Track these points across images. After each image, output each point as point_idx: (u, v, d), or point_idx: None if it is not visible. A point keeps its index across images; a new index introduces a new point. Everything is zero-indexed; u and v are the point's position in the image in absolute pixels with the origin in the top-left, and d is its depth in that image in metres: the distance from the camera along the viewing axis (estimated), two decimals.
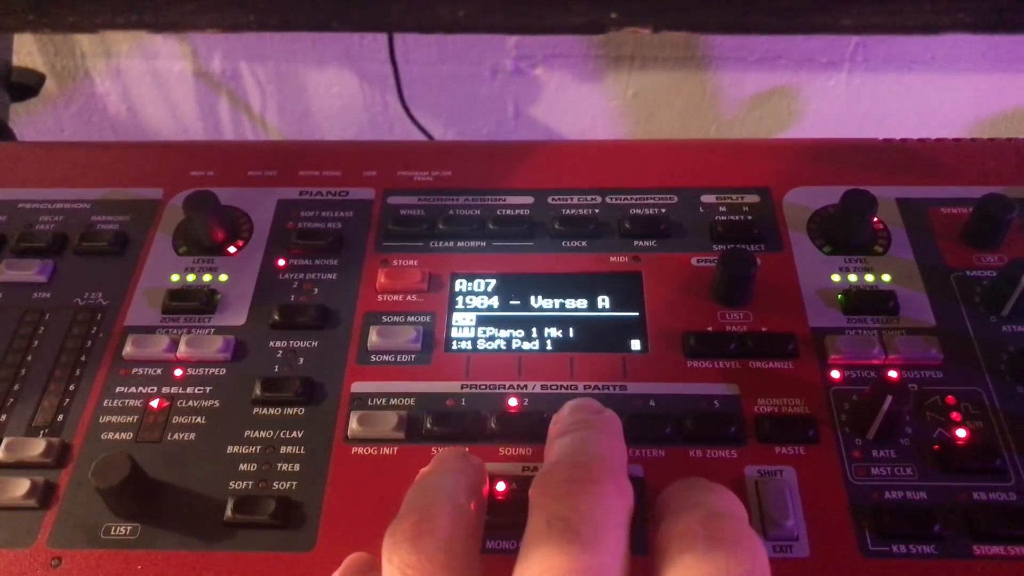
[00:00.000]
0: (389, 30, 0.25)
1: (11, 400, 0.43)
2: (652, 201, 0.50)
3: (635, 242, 0.48)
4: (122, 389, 0.43)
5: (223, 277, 0.47)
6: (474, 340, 0.44)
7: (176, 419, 0.42)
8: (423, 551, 0.30)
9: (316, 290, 0.47)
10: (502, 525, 0.37)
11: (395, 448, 0.41)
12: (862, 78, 1.02)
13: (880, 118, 1.06)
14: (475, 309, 0.46)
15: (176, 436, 0.41)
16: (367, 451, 0.41)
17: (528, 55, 1.02)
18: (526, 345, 0.44)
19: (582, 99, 1.06)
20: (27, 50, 1.03)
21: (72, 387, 0.43)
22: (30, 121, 1.11)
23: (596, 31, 0.24)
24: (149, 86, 1.08)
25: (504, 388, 0.43)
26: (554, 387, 0.43)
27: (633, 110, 1.07)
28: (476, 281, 0.47)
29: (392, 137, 1.11)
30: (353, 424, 0.41)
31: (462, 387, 0.43)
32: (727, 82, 1.04)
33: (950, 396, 0.41)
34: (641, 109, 1.07)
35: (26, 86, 0.84)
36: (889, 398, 0.38)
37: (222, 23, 0.24)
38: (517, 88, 1.06)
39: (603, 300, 0.46)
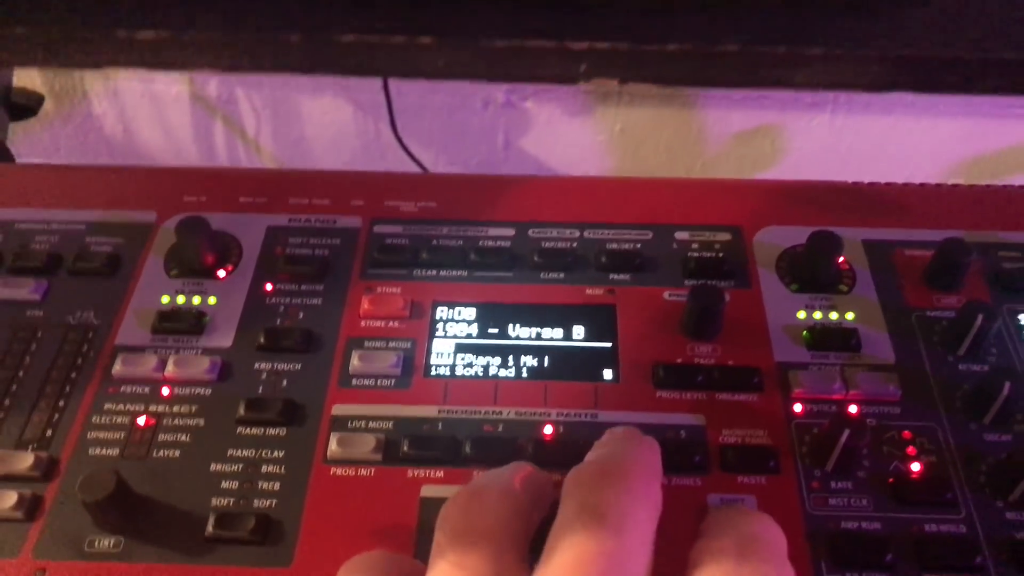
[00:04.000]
0: (376, 75, 0.27)
1: (1, 414, 0.44)
2: (628, 236, 0.52)
3: (610, 275, 0.50)
4: (110, 406, 0.44)
5: (212, 300, 0.49)
6: (452, 366, 0.46)
7: (162, 436, 0.43)
8: (470, 519, 0.32)
9: (301, 314, 0.48)
10: None
11: (372, 469, 0.42)
12: (845, 119, 1.05)
13: (862, 158, 1.08)
14: (454, 336, 0.47)
15: (161, 453, 0.43)
16: (345, 472, 0.42)
17: (519, 88, 1.04)
18: (503, 372, 0.46)
19: (571, 132, 1.09)
20: (27, 70, 1.05)
21: (62, 403, 0.44)
22: (26, 139, 1.13)
23: (567, 82, 0.26)
24: (146, 108, 1.09)
25: (480, 413, 0.44)
26: (528, 413, 0.44)
27: (620, 145, 1.09)
28: (456, 309, 0.48)
29: (384, 165, 1.13)
30: (333, 445, 0.42)
31: (439, 412, 0.44)
32: (713, 119, 1.06)
33: (906, 431, 0.43)
34: (628, 144, 1.09)
35: (25, 106, 0.86)
36: (846, 432, 0.40)
37: (218, 64, 0.26)
38: (508, 120, 1.08)
39: (578, 331, 0.47)
